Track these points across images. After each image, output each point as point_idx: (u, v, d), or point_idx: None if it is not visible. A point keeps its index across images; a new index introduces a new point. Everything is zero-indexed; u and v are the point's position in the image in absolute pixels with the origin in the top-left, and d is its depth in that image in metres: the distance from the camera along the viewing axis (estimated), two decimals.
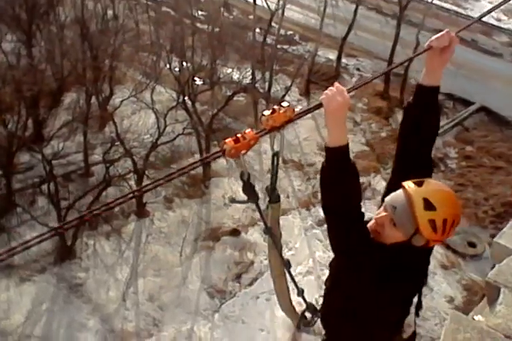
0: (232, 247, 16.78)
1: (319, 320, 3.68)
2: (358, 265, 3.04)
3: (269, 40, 23.92)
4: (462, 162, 20.91)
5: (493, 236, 17.58)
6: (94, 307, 15.00)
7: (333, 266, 3.38)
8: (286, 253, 16.32)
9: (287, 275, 3.69)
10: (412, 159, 3.22)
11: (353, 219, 2.93)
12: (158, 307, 15.12)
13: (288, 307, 3.85)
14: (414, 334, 3.57)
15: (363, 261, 3.01)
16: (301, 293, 3.78)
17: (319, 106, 2.87)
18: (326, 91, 2.85)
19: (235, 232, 17.26)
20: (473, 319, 2.87)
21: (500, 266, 3.20)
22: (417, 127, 3.22)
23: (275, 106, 2.87)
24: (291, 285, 3.77)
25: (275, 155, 3.15)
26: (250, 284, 15.71)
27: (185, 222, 17.49)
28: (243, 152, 2.78)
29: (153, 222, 17.41)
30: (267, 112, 2.85)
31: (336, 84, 2.89)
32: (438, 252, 16.94)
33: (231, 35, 22.62)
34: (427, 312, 15.17)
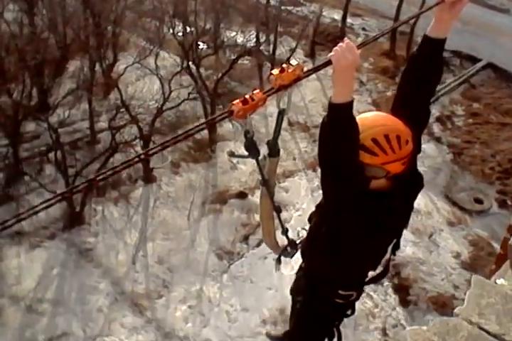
0: (239, 209, 16.90)
1: (299, 252, 3.91)
2: (344, 213, 3.16)
3: (272, 2, 23.58)
4: (469, 119, 20.77)
5: (499, 192, 17.66)
6: (104, 270, 15.22)
7: (319, 208, 3.52)
8: (294, 214, 16.46)
9: (276, 217, 3.81)
10: (410, 106, 3.24)
11: (345, 174, 2.97)
12: (168, 269, 15.33)
13: (272, 243, 4.03)
14: (386, 270, 3.85)
15: (350, 210, 3.12)
16: (285, 232, 3.92)
17: (328, 63, 2.83)
18: (335, 48, 2.81)
19: (241, 195, 17.34)
20: (496, 283, 2.89)
21: None
22: (418, 77, 3.24)
23: (283, 65, 2.85)
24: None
25: (280, 112, 3.16)
26: (258, 245, 15.81)
27: (193, 186, 17.59)
28: (250, 112, 2.80)
29: (160, 186, 17.52)
30: (275, 71, 2.84)
31: (346, 40, 2.85)
32: (445, 209, 17.03)
33: None
34: (433, 268, 15.35)
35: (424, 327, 2.60)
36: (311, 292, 3.84)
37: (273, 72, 2.84)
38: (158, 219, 16.61)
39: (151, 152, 2.91)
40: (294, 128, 19.53)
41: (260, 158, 3.34)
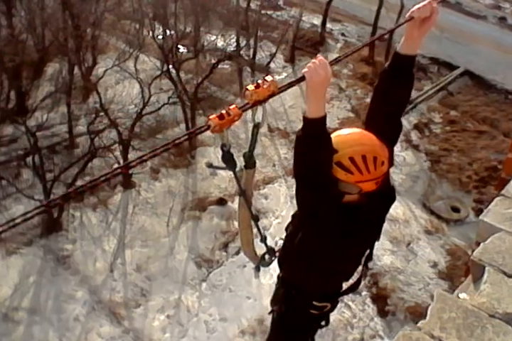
0: (218, 216, 16.88)
1: (276, 260, 4.03)
2: (317, 224, 3.28)
3: (253, 6, 23.62)
4: (447, 127, 20.96)
5: (476, 200, 17.83)
6: (81, 278, 15.11)
7: (295, 218, 3.65)
8: (273, 222, 16.47)
9: (254, 226, 3.88)
10: (382, 121, 3.32)
11: (319, 187, 3.06)
12: (146, 277, 15.26)
13: (250, 252, 4.08)
14: (358, 281, 3.95)
15: (323, 222, 3.23)
16: (264, 239, 4.00)
17: (302, 79, 2.91)
18: (308, 65, 2.89)
19: (221, 202, 17.32)
20: (458, 297, 2.96)
21: (485, 244, 3.28)
22: (389, 93, 3.32)
23: (259, 81, 2.91)
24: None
25: (256, 126, 3.22)
26: (237, 253, 15.79)
27: (172, 193, 17.53)
28: (226, 127, 2.85)
29: (139, 192, 17.43)
30: (250, 87, 2.89)
31: (319, 56, 2.93)
32: (422, 218, 17.16)
33: (214, 1, 22.33)
34: (411, 278, 15.46)
35: None
36: (287, 302, 3.95)
37: (248, 87, 2.90)
38: (136, 226, 16.54)
39: (131, 164, 2.87)
40: (273, 134, 19.53)
41: (237, 169, 3.41)
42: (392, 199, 3.53)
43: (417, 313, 14.17)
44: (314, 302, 3.81)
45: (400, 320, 14.43)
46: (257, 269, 4.18)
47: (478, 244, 3.64)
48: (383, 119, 3.32)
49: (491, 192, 17.78)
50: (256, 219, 3.80)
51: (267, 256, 4.10)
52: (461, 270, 15.20)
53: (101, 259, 15.67)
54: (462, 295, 3.03)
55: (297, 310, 3.92)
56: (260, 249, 4.04)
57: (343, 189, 3.15)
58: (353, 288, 3.99)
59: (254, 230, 3.88)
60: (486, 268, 3.09)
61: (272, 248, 4.07)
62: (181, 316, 14.45)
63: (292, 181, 17.95)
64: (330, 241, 3.30)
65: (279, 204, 17.28)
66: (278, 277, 4.04)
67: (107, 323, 14.22)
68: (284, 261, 3.87)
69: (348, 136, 3.18)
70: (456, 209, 17.61)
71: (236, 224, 16.31)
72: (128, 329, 14.14)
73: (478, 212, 17.50)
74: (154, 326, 14.26)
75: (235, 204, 17.06)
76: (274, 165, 18.40)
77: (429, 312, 2.81)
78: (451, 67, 23.43)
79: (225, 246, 16.13)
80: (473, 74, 23.26)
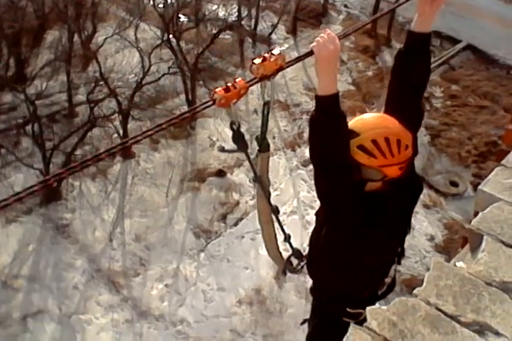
0: (217, 188, 16.90)
1: (305, 266, 3.82)
2: (339, 214, 3.14)
3: None
4: (447, 101, 20.86)
5: (475, 175, 17.83)
6: (80, 247, 15.19)
7: (318, 214, 3.48)
8: (272, 194, 16.44)
9: (275, 221, 3.74)
10: (402, 105, 3.22)
11: (338, 170, 2.96)
12: (145, 247, 15.35)
13: (275, 252, 3.91)
14: (393, 282, 3.81)
15: (344, 211, 3.10)
16: (288, 238, 3.84)
17: (310, 53, 2.85)
18: (317, 39, 2.83)
19: (220, 173, 17.31)
20: (455, 265, 2.96)
21: (484, 213, 3.27)
22: (407, 75, 3.22)
23: (265, 54, 2.84)
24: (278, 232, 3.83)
25: (266, 104, 3.15)
26: (235, 224, 15.92)
27: (171, 163, 17.52)
28: (233, 101, 2.78)
29: (138, 163, 17.42)
30: (257, 60, 2.82)
31: (328, 30, 2.87)
32: None
33: None
34: (408, 251, 15.44)
35: (384, 307, 2.68)
36: (321, 312, 3.83)
37: (255, 61, 2.82)
38: (136, 196, 16.56)
39: (133, 140, 2.81)
40: (274, 107, 19.40)
41: (253, 156, 3.32)
42: (419, 190, 3.44)
43: (412, 285, 14.18)
44: (348, 309, 3.60)
45: (395, 292, 14.37)
46: (284, 273, 4.00)
47: (476, 213, 3.64)
48: (403, 103, 3.23)
49: (490, 166, 17.73)
50: (276, 211, 3.66)
51: (293, 260, 3.91)
52: (458, 243, 15.27)
53: (100, 228, 15.74)
54: (459, 264, 3.03)
55: (331, 320, 3.73)
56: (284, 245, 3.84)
57: (366, 175, 3.05)
58: (389, 290, 3.80)
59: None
60: (484, 237, 3.08)
61: (298, 249, 3.91)
62: (179, 285, 14.57)
63: (291, 154, 18.11)
64: (353, 232, 3.16)
65: (278, 177, 17.25)
66: (310, 290, 3.87)
67: (106, 292, 14.34)
68: (310, 262, 3.71)
69: (370, 119, 3.09)
70: (454, 184, 17.63)
71: (235, 195, 16.47)
72: (126, 297, 14.26)
73: (477, 186, 17.47)
74: (152, 295, 14.39)
75: (234, 177, 17.11)
76: (274, 138, 18.32)
77: (425, 280, 2.82)
78: (454, 41, 23.22)
79: (224, 217, 16.19)
80: (475, 48, 23.06)
